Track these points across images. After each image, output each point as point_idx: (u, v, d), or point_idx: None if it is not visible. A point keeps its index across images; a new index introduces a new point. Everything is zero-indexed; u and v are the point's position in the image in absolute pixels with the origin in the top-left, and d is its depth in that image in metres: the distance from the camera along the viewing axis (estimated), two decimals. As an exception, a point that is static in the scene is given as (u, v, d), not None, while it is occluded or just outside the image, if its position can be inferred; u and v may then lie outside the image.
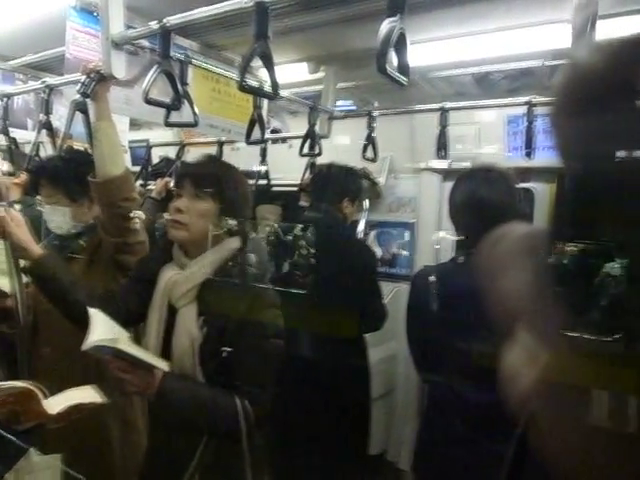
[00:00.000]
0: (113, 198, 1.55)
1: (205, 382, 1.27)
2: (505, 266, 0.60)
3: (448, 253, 2.57)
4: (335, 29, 1.76)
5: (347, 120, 2.27)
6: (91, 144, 1.56)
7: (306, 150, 2.14)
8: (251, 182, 2.10)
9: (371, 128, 2.12)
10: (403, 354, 2.62)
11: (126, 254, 1.63)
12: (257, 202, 2.23)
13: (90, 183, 1.56)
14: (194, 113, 1.59)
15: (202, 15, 1.29)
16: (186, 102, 1.54)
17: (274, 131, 2.85)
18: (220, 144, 2.60)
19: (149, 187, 2.88)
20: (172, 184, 2.76)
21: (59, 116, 1.96)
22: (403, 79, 0.97)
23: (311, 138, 2.11)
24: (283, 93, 1.91)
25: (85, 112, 1.56)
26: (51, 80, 1.79)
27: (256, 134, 1.87)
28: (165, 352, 1.31)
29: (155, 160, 3.22)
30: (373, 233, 2.76)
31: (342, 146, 2.39)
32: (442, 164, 2.46)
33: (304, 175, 2.27)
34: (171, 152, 3.24)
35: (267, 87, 1.29)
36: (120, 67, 1.46)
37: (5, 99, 2.00)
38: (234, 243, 1.36)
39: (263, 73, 1.50)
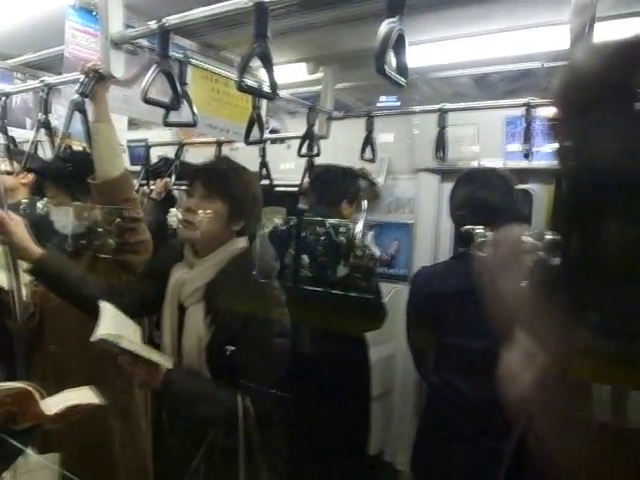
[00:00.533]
0: (113, 199, 1.56)
1: (211, 378, 1.30)
2: (505, 267, 0.60)
3: (446, 253, 2.58)
4: (334, 30, 1.77)
5: (346, 120, 2.27)
6: (90, 144, 1.57)
7: (304, 151, 2.14)
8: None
9: (370, 128, 2.12)
10: (401, 355, 2.62)
11: (128, 253, 1.64)
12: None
13: (89, 185, 1.57)
14: (193, 113, 1.58)
15: (201, 15, 1.29)
16: (185, 102, 1.54)
17: (273, 131, 2.85)
18: (219, 144, 2.60)
19: (147, 187, 2.88)
20: (171, 184, 2.77)
21: (58, 115, 1.96)
22: (402, 80, 0.97)
23: (310, 138, 2.11)
24: (282, 93, 1.91)
25: (84, 112, 1.56)
26: (50, 79, 1.79)
27: (255, 134, 1.87)
28: (178, 349, 1.35)
29: (153, 160, 3.22)
30: (371, 234, 2.76)
31: (341, 146, 2.39)
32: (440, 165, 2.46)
33: (303, 178, 2.27)
34: (170, 152, 3.23)
35: (266, 87, 1.29)
36: (119, 66, 1.46)
37: (4, 98, 1.99)
38: (242, 243, 1.40)
39: (262, 73, 1.50)
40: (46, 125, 1.81)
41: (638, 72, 0.43)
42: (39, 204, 2.17)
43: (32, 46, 2.12)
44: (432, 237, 2.75)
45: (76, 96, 1.53)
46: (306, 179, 2.28)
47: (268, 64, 1.16)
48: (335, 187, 2.16)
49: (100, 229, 1.64)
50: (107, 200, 1.57)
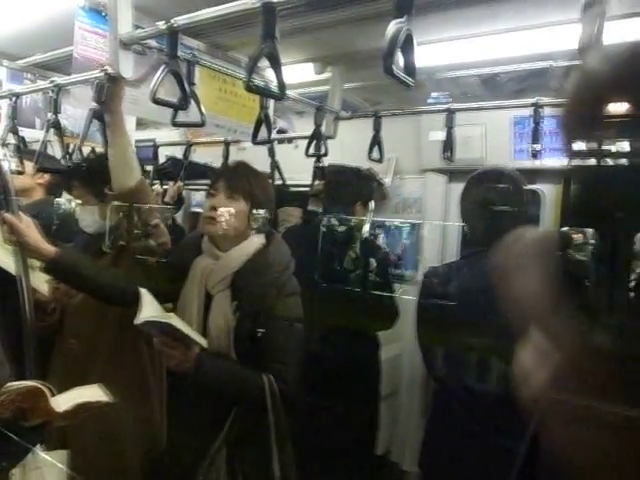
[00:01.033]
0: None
1: (237, 360, 1.43)
2: (519, 267, 0.61)
3: (453, 254, 2.58)
4: (342, 30, 1.77)
5: (353, 121, 2.27)
6: (107, 150, 1.62)
7: (312, 151, 2.14)
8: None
9: (377, 129, 2.12)
10: (408, 355, 2.62)
11: (148, 255, 1.72)
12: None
13: (107, 195, 1.65)
14: (201, 113, 1.59)
15: (209, 15, 1.29)
16: (193, 102, 1.54)
17: (280, 131, 2.86)
18: (226, 144, 2.61)
19: (155, 187, 2.90)
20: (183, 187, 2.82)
21: (67, 115, 1.97)
22: (410, 80, 0.97)
23: (317, 138, 2.11)
24: (289, 93, 1.91)
25: (102, 119, 1.58)
26: (59, 79, 1.80)
27: (262, 134, 1.88)
28: (203, 334, 1.46)
29: (160, 160, 3.24)
30: (382, 236, 2.77)
31: (348, 147, 2.39)
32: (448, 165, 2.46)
33: (313, 181, 2.29)
34: (177, 152, 3.25)
35: (274, 87, 1.29)
36: (128, 67, 1.47)
37: (14, 98, 2.01)
38: (261, 238, 1.55)
39: (269, 73, 1.50)
40: (56, 125, 1.83)
41: None
42: (64, 202, 2.23)
43: (41, 47, 2.13)
44: (439, 237, 2.75)
45: (94, 104, 1.55)
46: (316, 181, 2.29)
47: (276, 64, 1.16)
48: (349, 189, 2.21)
49: (138, 231, 1.73)
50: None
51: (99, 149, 1.93)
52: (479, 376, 1.55)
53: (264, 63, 1.18)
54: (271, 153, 2.20)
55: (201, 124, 1.62)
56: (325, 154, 2.17)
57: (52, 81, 1.79)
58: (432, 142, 2.28)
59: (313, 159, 2.19)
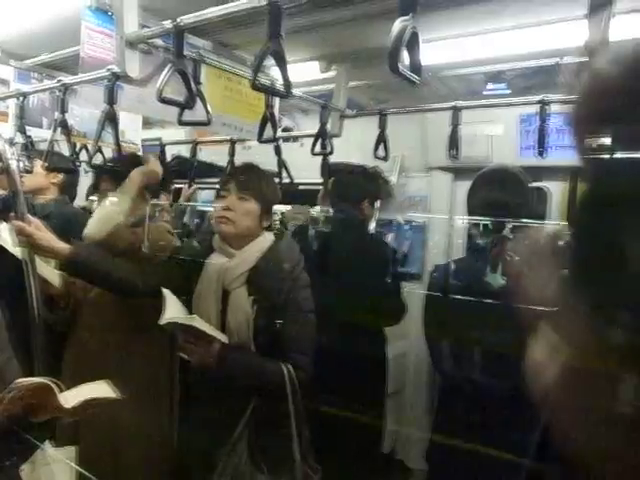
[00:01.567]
0: (116, 250, 1.67)
1: (256, 351, 1.50)
2: (530, 263, 0.61)
3: (459, 251, 2.57)
4: (347, 28, 1.77)
5: (359, 119, 2.27)
6: (119, 149, 1.69)
7: (317, 149, 2.15)
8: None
9: (383, 127, 2.12)
10: (414, 353, 2.62)
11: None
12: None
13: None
14: (207, 112, 1.60)
15: (215, 14, 1.30)
16: (199, 101, 1.55)
17: (285, 130, 2.86)
18: (232, 142, 2.61)
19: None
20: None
21: (74, 115, 1.99)
22: (415, 78, 0.97)
23: (322, 137, 2.12)
24: (295, 92, 1.91)
25: (114, 121, 1.61)
26: (66, 79, 1.81)
27: (268, 132, 1.88)
28: (221, 329, 1.52)
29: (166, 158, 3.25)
30: (391, 235, 2.78)
31: (353, 145, 2.39)
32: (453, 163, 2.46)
33: (325, 181, 2.31)
34: (183, 150, 3.26)
35: (279, 86, 1.30)
36: (134, 66, 1.48)
37: (21, 98, 2.02)
38: (271, 236, 1.62)
39: (275, 72, 1.51)
40: (63, 124, 1.84)
41: None
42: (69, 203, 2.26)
43: (48, 47, 2.14)
44: (445, 235, 2.74)
45: (105, 105, 1.58)
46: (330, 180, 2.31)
47: (282, 62, 1.16)
48: (357, 187, 2.22)
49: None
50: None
51: (105, 148, 1.96)
52: (486, 372, 1.55)
53: (270, 61, 1.19)
54: (277, 151, 2.21)
55: (207, 123, 1.62)
56: (331, 152, 2.18)
57: (59, 81, 1.81)
58: (438, 140, 2.27)
59: (319, 157, 2.20)
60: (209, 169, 3.27)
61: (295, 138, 2.78)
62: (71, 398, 0.97)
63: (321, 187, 2.41)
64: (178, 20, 1.36)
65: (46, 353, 1.52)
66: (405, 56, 0.95)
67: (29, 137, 2.11)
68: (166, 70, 1.39)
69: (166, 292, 1.43)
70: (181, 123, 1.58)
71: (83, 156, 2.21)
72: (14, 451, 0.96)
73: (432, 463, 1.82)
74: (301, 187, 2.52)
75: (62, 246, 1.50)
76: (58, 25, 1.92)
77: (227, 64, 1.85)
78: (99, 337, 1.75)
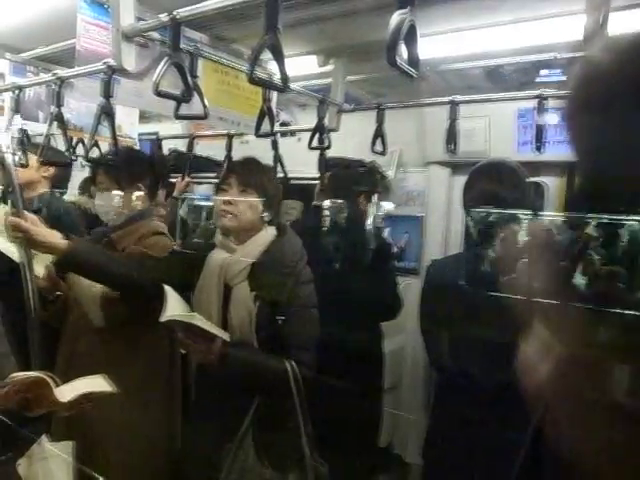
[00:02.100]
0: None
1: (259, 347, 1.49)
2: (523, 258, 0.60)
3: (457, 246, 2.57)
4: (345, 21, 1.76)
5: (356, 113, 2.26)
6: (116, 143, 1.68)
7: (315, 143, 2.14)
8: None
9: (380, 121, 2.11)
10: (410, 347, 2.63)
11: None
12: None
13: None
14: (204, 105, 1.59)
15: (212, 7, 1.29)
16: (196, 94, 1.54)
17: (283, 124, 2.85)
18: (229, 137, 2.60)
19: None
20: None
21: (70, 109, 1.98)
22: (413, 72, 0.97)
23: (320, 131, 2.11)
24: (292, 86, 1.90)
25: (110, 114, 1.59)
26: (62, 72, 1.80)
27: (265, 127, 1.87)
28: (223, 325, 1.51)
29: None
30: (387, 229, 2.78)
31: (351, 139, 2.39)
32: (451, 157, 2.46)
33: (321, 175, 2.30)
34: (179, 144, 3.25)
35: (276, 79, 1.29)
36: (130, 59, 1.47)
37: (17, 91, 2.01)
38: (273, 231, 1.60)
39: (272, 66, 1.50)
40: (59, 118, 1.83)
41: None
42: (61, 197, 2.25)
43: (44, 40, 2.13)
44: (442, 230, 2.74)
45: (101, 99, 1.56)
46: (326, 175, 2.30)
47: (279, 56, 1.15)
48: (353, 182, 2.22)
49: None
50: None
51: (102, 142, 1.95)
52: (482, 367, 1.55)
53: (267, 55, 1.18)
54: (274, 146, 2.20)
55: (204, 117, 1.62)
56: (328, 147, 2.17)
57: (55, 74, 1.79)
58: (436, 134, 2.27)
59: (316, 152, 2.19)
60: (205, 164, 3.26)
61: (292, 132, 2.77)
62: (67, 392, 0.97)
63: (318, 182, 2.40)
64: (175, 13, 1.35)
65: (42, 348, 1.51)
66: (403, 49, 0.95)
67: (25, 131, 2.10)
68: (162, 63, 1.38)
69: (167, 289, 1.41)
70: (178, 117, 1.57)
71: (80, 150, 2.20)
72: (11, 446, 0.96)
73: (428, 459, 1.82)
74: (298, 182, 2.51)
75: (59, 241, 1.48)
76: (54, 18, 1.90)
77: (224, 58, 1.84)
78: (91, 333, 1.72)
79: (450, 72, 2.25)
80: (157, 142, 3.10)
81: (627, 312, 0.44)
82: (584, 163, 0.50)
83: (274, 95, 1.91)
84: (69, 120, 2.01)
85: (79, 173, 2.49)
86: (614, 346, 0.45)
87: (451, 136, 1.97)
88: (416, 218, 2.84)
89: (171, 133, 3.23)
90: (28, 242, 1.47)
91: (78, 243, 1.54)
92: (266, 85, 1.51)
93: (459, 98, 1.94)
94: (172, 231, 2.35)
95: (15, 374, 0.92)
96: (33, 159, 2.09)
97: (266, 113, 1.80)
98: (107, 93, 1.54)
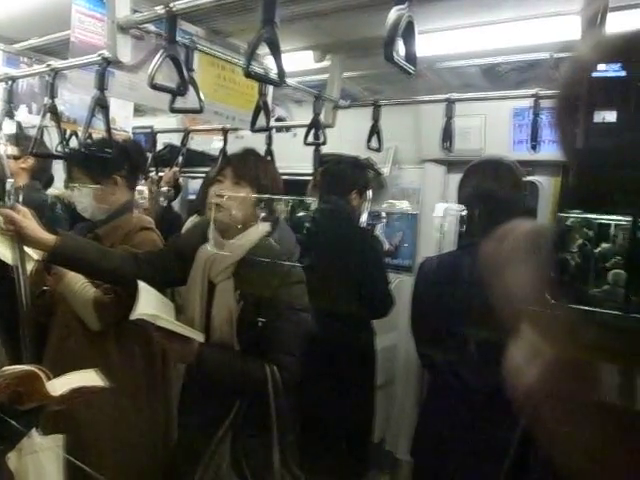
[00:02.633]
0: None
1: (240, 350, 1.42)
2: (511, 260, 0.60)
3: (451, 244, 2.58)
4: (342, 17, 1.75)
5: (352, 109, 2.26)
6: (109, 135, 1.65)
7: (310, 139, 2.13)
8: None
9: (376, 118, 2.11)
10: (403, 345, 2.63)
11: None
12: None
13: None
14: (199, 99, 1.58)
15: (209, 0, 1.28)
16: (191, 88, 1.53)
17: (279, 119, 2.84)
18: (224, 131, 2.59)
19: (152, 174, 2.89)
20: (179, 173, 2.80)
21: (64, 100, 1.96)
22: (410, 68, 0.97)
23: (316, 127, 2.10)
24: (288, 81, 1.90)
25: (104, 107, 1.58)
26: (56, 63, 1.78)
27: (261, 122, 1.87)
28: (206, 323, 1.47)
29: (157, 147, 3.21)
30: (380, 225, 2.77)
31: (347, 135, 2.38)
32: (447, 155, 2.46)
33: (315, 175, 2.29)
34: (174, 139, 3.23)
35: (273, 74, 1.28)
36: (126, 51, 1.46)
37: (10, 82, 1.99)
38: (265, 227, 1.52)
39: (269, 61, 1.49)
40: (53, 110, 1.81)
41: None
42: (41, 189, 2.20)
43: (38, 30, 2.11)
44: (437, 227, 2.75)
45: (95, 91, 1.54)
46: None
47: (276, 50, 1.15)
48: (345, 178, 2.20)
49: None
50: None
51: (96, 135, 1.93)
52: (472, 366, 1.56)
53: (263, 51, 1.17)
54: (268, 141, 2.19)
55: (199, 110, 1.61)
56: (324, 143, 2.16)
57: (48, 65, 1.77)
58: (431, 132, 2.27)
59: (311, 148, 2.18)
60: (201, 158, 3.25)
61: (288, 128, 2.77)
62: (59, 386, 0.97)
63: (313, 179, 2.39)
64: (171, 5, 1.34)
65: (35, 342, 1.50)
66: (400, 46, 0.95)
67: (18, 123, 2.08)
68: (158, 56, 1.37)
69: (141, 285, 1.36)
70: (173, 110, 1.56)
71: (73, 143, 2.17)
72: (0, 439, 0.95)
73: (417, 457, 1.82)
74: (288, 178, 2.50)
75: (48, 237, 1.46)
76: (48, 8, 1.88)
77: (220, 51, 1.83)
78: (80, 331, 1.69)
79: (447, 70, 2.25)
80: (152, 136, 3.08)
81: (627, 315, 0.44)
82: (573, 163, 0.50)
83: (270, 90, 1.91)
84: (63, 112, 1.98)
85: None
86: (605, 348, 0.45)
87: (447, 134, 1.97)
88: (411, 215, 2.84)
89: (166, 127, 3.21)
90: (19, 236, 1.46)
91: (66, 239, 1.50)
92: (262, 80, 1.50)
93: (455, 96, 1.94)
94: (159, 223, 2.31)
95: (6, 367, 0.92)
96: (9, 150, 2.05)
97: (262, 108, 1.79)
98: (101, 85, 1.53)
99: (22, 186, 2.17)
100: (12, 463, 0.98)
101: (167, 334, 1.33)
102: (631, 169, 0.43)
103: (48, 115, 1.82)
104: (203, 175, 2.87)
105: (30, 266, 1.65)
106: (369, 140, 2.12)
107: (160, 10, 1.37)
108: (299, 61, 2.14)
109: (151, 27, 1.54)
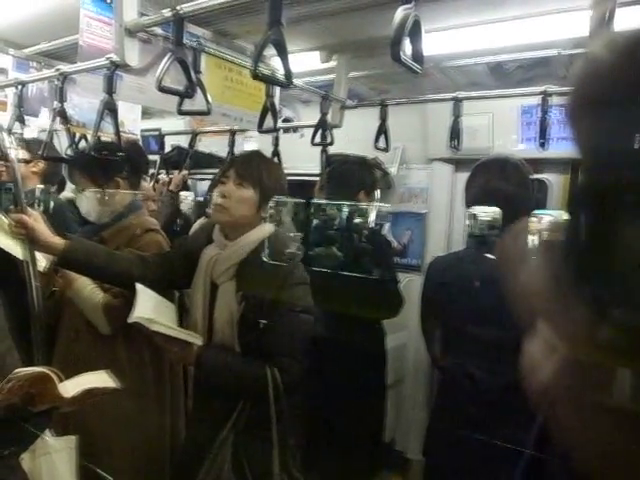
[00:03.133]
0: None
1: (241, 352, 1.41)
2: (525, 258, 0.60)
3: (459, 243, 2.57)
4: (348, 17, 1.75)
5: (359, 109, 2.26)
6: (119, 139, 1.67)
7: (318, 140, 2.14)
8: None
9: (383, 118, 2.11)
10: (413, 344, 2.62)
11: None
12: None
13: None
14: (207, 101, 1.58)
15: (215, 2, 1.29)
16: (199, 90, 1.54)
17: (286, 120, 2.85)
18: (232, 133, 2.60)
19: (162, 176, 2.91)
20: (187, 175, 2.81)
21: (73, 104, 1.97)
22: (417, 67, 0.97)
23: (323, 127, 2.10)
24: (295, 82, 1.90)
25: (113, 110, 1.59)
26: (65, 68, 1.80)
27: (268, 123, 1.87)
28: (209, 324, 1.46)
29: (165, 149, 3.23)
30: (388, 225, 2.76)
31: (354, 135, 2.38)
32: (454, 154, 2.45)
33: (322, 177, 2.29)
34: (182, 141, 3.25)
35: (280, 75, 1.29)
36: (133, 55, 1.47)
37: (20, 87, 2.01)
38: (269, 228, 1.51)
39: (275, 62, 1.50)
40: (62, 114, 1.83)
41: None
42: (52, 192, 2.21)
43: (47, 35, 2.13)
44: (445, 227, 2.74)
45: (104, 95, 1.56)
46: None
47: (282, 51, 1.15)
48: (353, 178, 2.19)
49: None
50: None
51: (104, 138, 1.94)
52: (481, 364, 1.55)
53: (270, 52, 1.17)
54: (275, 142, 2.20)
55: (207, 112, 1.61)
56: (331, 143, 2.17)
57: (58, 69, 1.79)
58: (439, 131, 2.26)
59: (319, 148, 2.19)
60: (209, 160, 3.26)
61: (295, 129, 2.77)
62: (71, 388, 0.97)
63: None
64: (178, 8, 1.35)
65: (46, 343, 1.51)
66: (407, 45, 0.95)
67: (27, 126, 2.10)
68: (166, 59, 1.39)
69: (139, 287, 1.36)
70: (181, 113, 1.57)
71: (82, 146, 2.19)
72: (14, 440, 0.96)
73: (429, 456, 1.82)
74: (295, 178, 2.50)
75: (57, 241, 1.47)
76: (56, 13, 1.90)
77: (227, 53, 1.84)
78: (89, 333, 1.69)
79: (453, 68, 2.25)
80: (160, 138, 3.10)
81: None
82: (588, 161, 0.49)
83: (277, 91, 1.91)
84: (72, 116, 2.00)
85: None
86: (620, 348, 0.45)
87: (454, 133, 1.97)
88: (419, 215, 2.83)
89: (174, 129, 3.23)
90: (29, 239, 1.47)
91: (75, 243, 1.51)
92: (269, 81, 1.50)
93: (462, 94, 1.94)
94: (170, 226, 2.31)
95: (19, 369, 0.92)
96: (20, 154, 2.07)
97: (269, 109, 1.80)
98: (110, 89, 1.55)
99: (34, 190, 2.19)
100: (26, 464, 0.99)
101: (165, 337, 1.34)
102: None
103: (57, 119, 1.84)
104: (211, 177, 2.88)
105: (41, 268, 1.67)
106: (376, 140, 2.12)
107: (167, 13, 1.38)
108: (306, 62, 2.14)
109: (158, 30, 1.55)
